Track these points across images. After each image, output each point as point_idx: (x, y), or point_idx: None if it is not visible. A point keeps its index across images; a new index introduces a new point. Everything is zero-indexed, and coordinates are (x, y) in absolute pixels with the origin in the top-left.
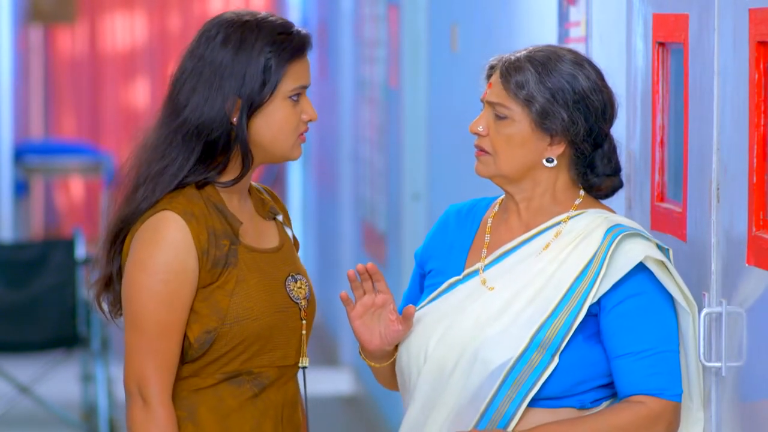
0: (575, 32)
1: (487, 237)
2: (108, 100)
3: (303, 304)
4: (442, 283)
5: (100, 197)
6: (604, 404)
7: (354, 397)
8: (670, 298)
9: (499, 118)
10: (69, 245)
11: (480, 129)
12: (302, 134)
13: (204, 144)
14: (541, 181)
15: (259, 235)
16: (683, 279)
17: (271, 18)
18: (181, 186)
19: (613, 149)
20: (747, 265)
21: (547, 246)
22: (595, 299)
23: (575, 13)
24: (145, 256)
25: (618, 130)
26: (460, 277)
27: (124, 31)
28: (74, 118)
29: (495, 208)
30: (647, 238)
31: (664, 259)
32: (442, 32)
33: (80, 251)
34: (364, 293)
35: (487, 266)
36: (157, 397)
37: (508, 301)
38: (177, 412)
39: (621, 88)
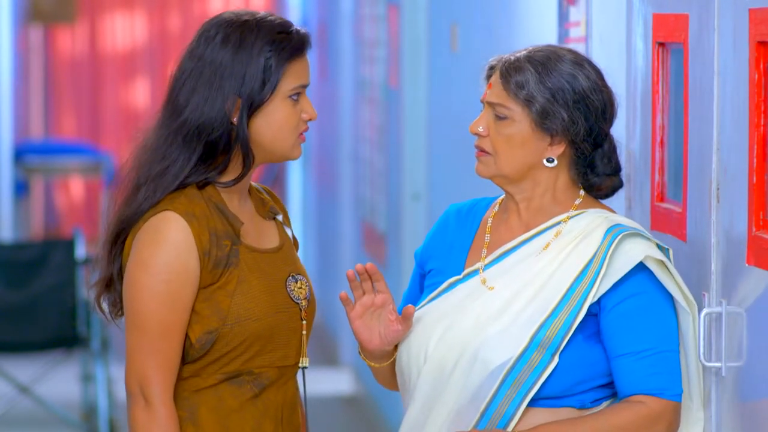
0: (575, 32)
1: (487, 237)
2: (108, 100)
3: (303, 304)
4: (442, 282)
5: (100, 197)
6: (604, 404)
7: (354, 397)
8: (670, 298)
9: (499, 118)
10: (69, 245)
11: (480, 129)
12: (302, 134)
13: (204, 144)
14: (542, 181)
15: (260, 235)
16: (683, 279)
17: (270, 17)
18: (182, 186)
19: (613, 149)
20: (747, 265)
21: (547, 246)
22: (595, 299)
23: (575, 13)
24: (147, 257)
25: (618, 130)
26: (460, 276)
27: (124, 31)
28: (74, 118)
29: (495, 207)
30: (647, 238)
31: (664, 258)
32: (442, 32)
33: (80, 251)
34: (364, 293)
35: (487, 266)
36: (159, 397)
37: (508, 300)
38: (178, 412)
39: (621, 88)
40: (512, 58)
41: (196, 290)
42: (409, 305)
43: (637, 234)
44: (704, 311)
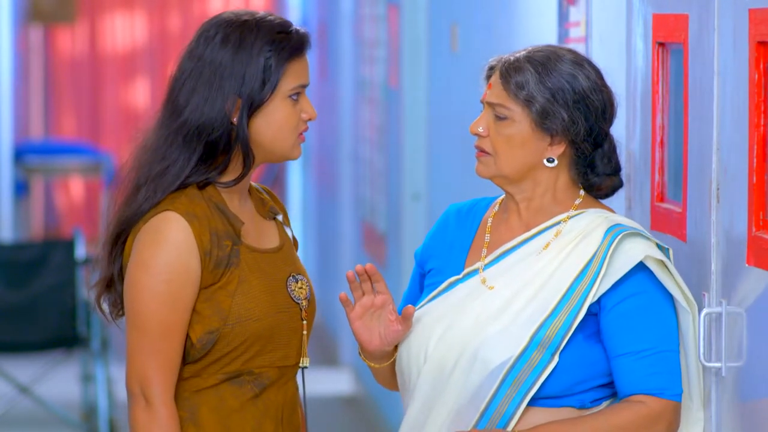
0: (575, 32)
1: (487, 236)
2: (108, 100)
3: (304, 304)
4: (442, 282)
5: (100, 197)
6: (604, 404)
7: (354, 397)
8: (670, 298)
9: (499, 118)
10: (69, 245)
11: (480, 130)
12: (302, 134)
13: (205, 144)
14: (542, 181)
15: (260, 235)
16: (683, 279)
17: (269, 17)
18: (182, 186)
19: (613, 149)
20: (747, 265)
21: (547, 245)
22: (595, 298)
23: (575, 13)
24: (148, 257)
25: (618, 130)
26: (460, 276)
27: (124, 31)
28: (74, 118)
29: (495, 207)
30: (647, 238)
31: (664, 258)
32: (442, 32)
33: (80, 251)
34: (364, 294)
35: (487, 265)
36: (160, 397)
37: (508, 300)
38: (179, 412)
39: (621, 88)
40: (512, 58)
41: (197, 290)
42: (409, 305)
43: (637, 234)
44: (704, 311)
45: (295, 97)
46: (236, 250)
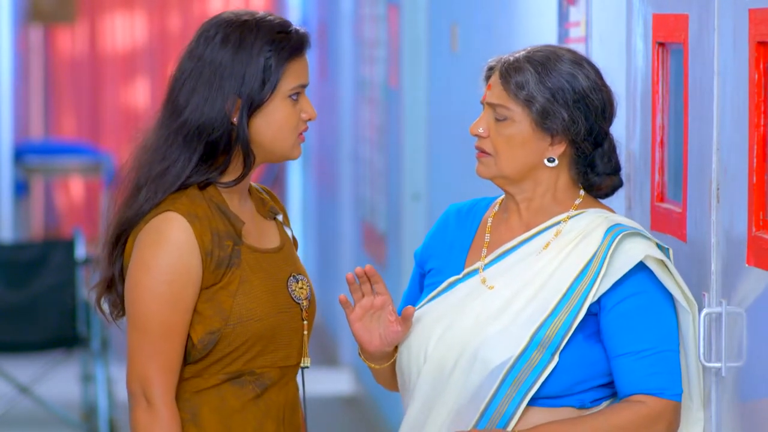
0: (575, 32)
1: (487, 236)
2: (108, 100)
3: (305, 304)
4: (442, 282)
5: (100, 197)
6: (604, 404)
7: (354, 397)
8: (671, 298)
9: (500, 119)
10: (69, 245)
11: (480, 131)
12: (302, 134)
13: (205, 144)
14: (542, 181)
15: (261, 235)
16: (683, 279)
17: (269, 17)
18: (183, 187)
19: (612, 148)
20: (747, 265)
21: (547, 245)
22: (595, 298)
23: (575, 13)
24: (149, 257)
25: (618, 130)
26: (460, 276)
27: (124, 31)
28: (74, 118)
29: (495, 207)
30: (647, 238)
31: (664, 258)
32: (442, 32)
33: (80, 251)
34: (363, 296)
35: (487, 265)
36: (161, 398)
37: (508, 300)
38: (180, 413)
39: (621, 88)
40: (511, 58)
41: (198, 291)
42: (409, 306)
43: (637, 233)
44: (704, 311)
45: (294, 97)
46: (237, 250)
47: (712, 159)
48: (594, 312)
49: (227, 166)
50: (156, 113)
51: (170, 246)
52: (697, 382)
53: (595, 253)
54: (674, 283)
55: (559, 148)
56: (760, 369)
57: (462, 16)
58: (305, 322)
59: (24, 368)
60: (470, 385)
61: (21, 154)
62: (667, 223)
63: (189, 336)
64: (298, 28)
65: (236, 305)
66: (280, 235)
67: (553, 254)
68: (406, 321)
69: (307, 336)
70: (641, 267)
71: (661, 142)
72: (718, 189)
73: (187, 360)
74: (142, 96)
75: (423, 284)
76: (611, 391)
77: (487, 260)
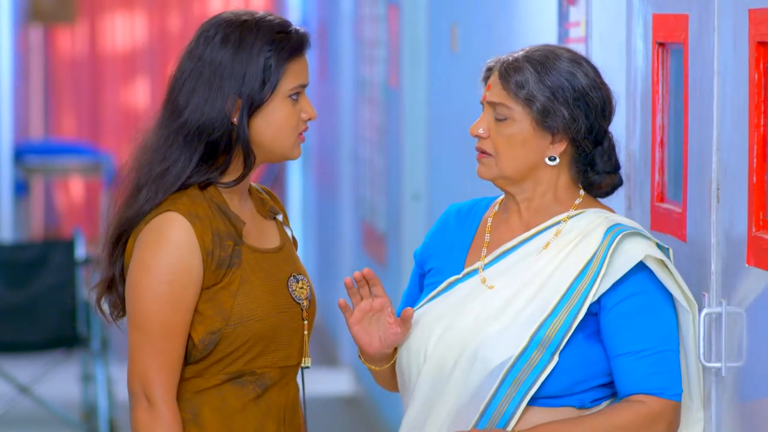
0: (575, 32)
1: (487, 236)
2: (108, 100)
3: (305, 304)
4: (442, 282)
5: (100, 197)
6: (604, 404)
7: (354, 397)
8: (670, 297)
9: (500, 119)
10: (69, 245)
11: (481, 131)
12: (302, 134)
13: (205, 144)
14: (543, 180)
15: (261, 235)
16: (683, 279)
17: (269, 17)
18: (183, 187)
19: (612, 147)
20: (747, 265)
21: (547, 245)
22: (595, 298)
23: (575, 13)
24: (149, 258)
25: (618, 130)
26: (460, 276)
27: (124, 31)
28: (74, 118)
29: (495, 207)
30: (647, 237)
31: (664, 258)
32: (442, 32)
33: (80, 251)
34: (362, 299)
35: (487, 265)
36: (162, 397)
37: (508, 299)
38: (181, 413)
39: (621, 88)
40: (510, 58)
41: (199, 291)
42: (408, 308)
43: (637, 233)
44: (704, 311)
45: (294, 97)
46: (238, 250)
47: (712, 159)
48: (594, 312)
49: (227, 166)
50: (156, 113)
51: (171, 246)
52: (697, 382)
53: (595, 253)
54: (674, 283)
55: (560, 147)
56: (760, 369)
57: (462, 16)
58: (305, 322)
59: (24, 368)
60: (470, 385)
61: (21, 154)
62: (667, 223)
63: (190, 336)
64: (298, 28)
65: (237, 305)
66: (280, 235)
67: (553, 254)
68: (405, 322)
69: (308, 336)
70: (641, 267)
71: (661, 142)
72: (718, 189)
73: (188, 360)
74: (142, 96)
75: (423, 284)
76: (611, 391)
77: (487, 260)
